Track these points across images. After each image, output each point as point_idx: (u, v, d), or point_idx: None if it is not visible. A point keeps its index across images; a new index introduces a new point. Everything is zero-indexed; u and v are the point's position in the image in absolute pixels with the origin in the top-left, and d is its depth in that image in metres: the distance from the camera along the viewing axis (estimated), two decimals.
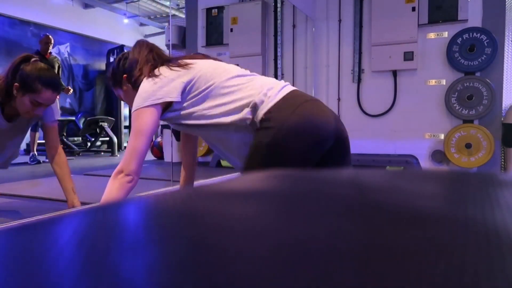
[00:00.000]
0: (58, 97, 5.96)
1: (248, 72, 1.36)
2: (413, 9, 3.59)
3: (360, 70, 3.95)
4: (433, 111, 3.65)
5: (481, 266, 0.17)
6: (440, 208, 0.27)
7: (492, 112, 3.39)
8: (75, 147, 6.74)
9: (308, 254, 0.19)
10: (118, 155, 6.55)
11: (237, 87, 1.26)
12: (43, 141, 2.06)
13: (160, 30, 9.60)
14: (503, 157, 3.51)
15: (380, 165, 3.64)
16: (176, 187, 2.20)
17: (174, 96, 1.25)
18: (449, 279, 0.16)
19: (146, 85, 1.27)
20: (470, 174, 0.39)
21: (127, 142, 1.33)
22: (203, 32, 4.57)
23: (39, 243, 0.23)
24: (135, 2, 8.78)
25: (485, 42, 3.35)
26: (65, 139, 6.86)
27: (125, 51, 1.53)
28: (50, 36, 5.27)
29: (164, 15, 9.46)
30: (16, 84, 1.76)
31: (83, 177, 3.59)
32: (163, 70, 1.29)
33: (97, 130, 6.88)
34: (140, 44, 1.41)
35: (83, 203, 2.25)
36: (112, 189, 1.22)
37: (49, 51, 5.18)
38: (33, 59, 1.82)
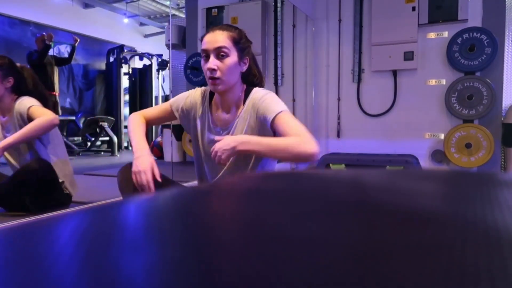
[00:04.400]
0: (57, 93, 5.92)
1: None
2: (413, 9, 3.59)
3: (360, 70, 3.94)
4: (433, 111, 3.65)
5: (481, 265, 0.17)
6: (440, 208, 0.27)
7: (492, 112, 3.39)
8: (75, 147, 6.74)
9: (307, 253, 0.19)
10: (118, 155, 6.54)
11: None
12: None
13: (160, 30, 9.58)
14: (503, 157, 3.51)
15: (380, 165, 3.64)
16: (176, 187, 2.19)
17: None
18: (449, 278, 0.16)
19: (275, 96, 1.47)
20: (470, 174, 0.39)
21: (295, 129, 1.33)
22: (203, 32, 4.55)
23: (39, 243, 0.23)
24: (135, 2, 8.77)
25: (485, 42, 3.35)
26: (65, 139, 6.86)
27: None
28: (45, 35, 5.29)
29: (164, 15, 9.44)
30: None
31: (83, 177, 3.59)
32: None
33: (97, 129, 6.88)
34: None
35: (83, 203, 2.25)
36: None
37: None
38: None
